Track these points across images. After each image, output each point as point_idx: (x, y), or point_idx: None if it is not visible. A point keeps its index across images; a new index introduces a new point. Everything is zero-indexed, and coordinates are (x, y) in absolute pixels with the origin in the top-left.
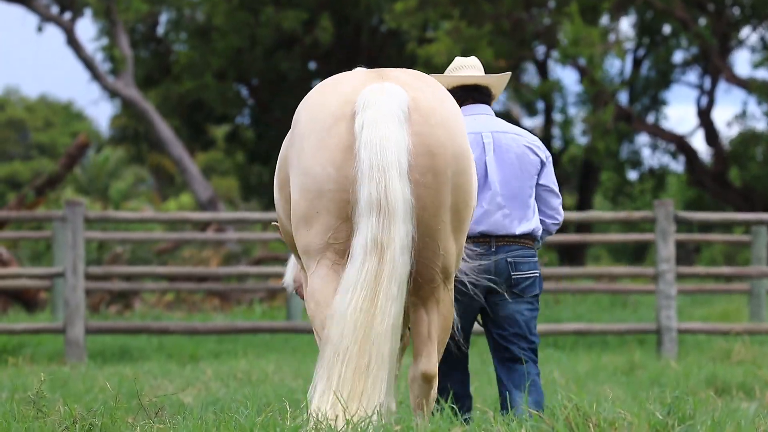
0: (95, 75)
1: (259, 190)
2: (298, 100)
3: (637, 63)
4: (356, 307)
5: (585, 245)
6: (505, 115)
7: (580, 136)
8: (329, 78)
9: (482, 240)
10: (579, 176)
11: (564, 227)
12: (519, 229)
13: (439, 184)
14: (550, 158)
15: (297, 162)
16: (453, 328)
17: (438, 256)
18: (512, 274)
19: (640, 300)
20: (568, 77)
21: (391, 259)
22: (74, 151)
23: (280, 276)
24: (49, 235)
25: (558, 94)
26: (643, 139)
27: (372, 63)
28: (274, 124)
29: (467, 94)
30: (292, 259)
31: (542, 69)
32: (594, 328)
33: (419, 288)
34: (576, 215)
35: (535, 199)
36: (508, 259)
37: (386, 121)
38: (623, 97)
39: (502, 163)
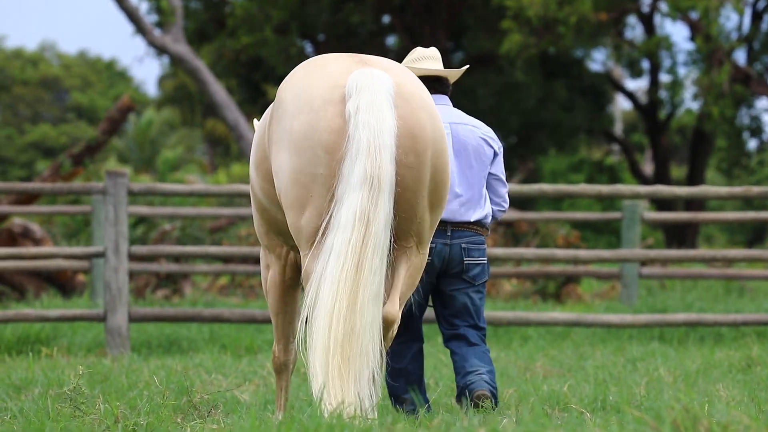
0: (140, 29)
1: None
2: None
3: (757, 17)
4: (344, 274)
5: (696, 224)
6: (606, 77)
7: (691, 101)
8: (313, 59)
9: (440, 226)
10: (689, 146)
11: (672, 204)
12: (473, 217)
13: (420, 164)
14: (501, 149)
15: (287, 143)
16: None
17: (414, 223)
18: (464, 259)
19: (758, 287)
20: (677, 33)
21: (375, 232)
22: (116, 115)
23: None
24: (88, 210)
25: (666, 53)
26: (763, 103)
27: (453, 15)
28: None
29: (428, 85)
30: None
31: (648, 23)
32: (706, 319)
33: (396, 248)
34: (685, 190)
35: (486, 187)
36: (462, 245)
37: (381, 105)
38: (741, 56)
39: (460, 154)
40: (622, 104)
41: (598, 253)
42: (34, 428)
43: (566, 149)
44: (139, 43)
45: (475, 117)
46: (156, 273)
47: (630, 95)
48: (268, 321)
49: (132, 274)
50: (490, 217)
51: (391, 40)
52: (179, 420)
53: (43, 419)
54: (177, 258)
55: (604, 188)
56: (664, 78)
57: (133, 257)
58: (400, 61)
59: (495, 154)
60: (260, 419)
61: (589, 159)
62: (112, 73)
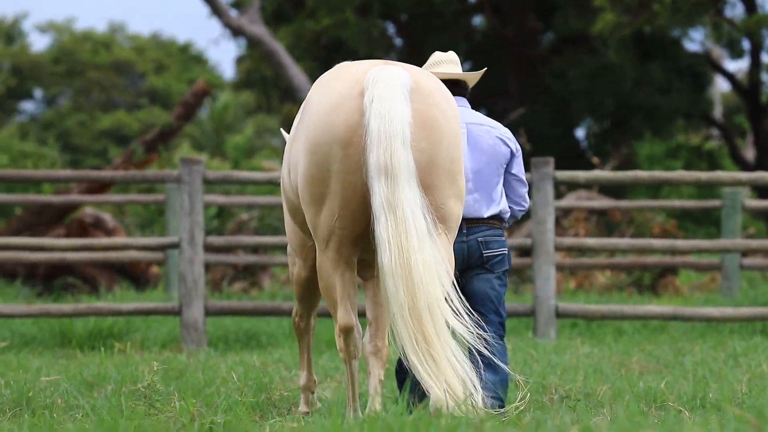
0: (215, 10)
1: None
2: (454, 40)
3: None
4: (393, 260)
5: None
6: (704, 57)
7: None
8: (342, 63)
9: None
10: None
11: None
12: (487, 213)
13: (432, 147)
14: (520, 149)
15: (304, 139)
16: None
17: (438, 209)
18: (483, 252)
19: None
20: None
21: (402, 217)
22: (191, 100)
23: None
24: (162, 199)
25: None
26: None
27: None
28: None
29: (448, 88)
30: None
31: (749, 0)
32: None
33: None
34: None
35: (505, 186)
36: (479, 239)
37: (393, 96)
38: None
39: (475, 153)
40: (721, 86)
41: (697, 243)
42: (106, 426)
43: (663, 134)
44: (215, 25)
45: (567, 100)
46: (233, 265)
47: (730, 77)
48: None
49: (208, 266)
50: (507, 213)
51: (477, 20)
52: (258, 418)
53: (116, 417)
54: (255, 249)
55: (703, 175)
56: (767, 58)
57: (209, 248)
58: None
59: (512, 154)
60: (342, 417)
61: (687, 144)
62: (186, 56)
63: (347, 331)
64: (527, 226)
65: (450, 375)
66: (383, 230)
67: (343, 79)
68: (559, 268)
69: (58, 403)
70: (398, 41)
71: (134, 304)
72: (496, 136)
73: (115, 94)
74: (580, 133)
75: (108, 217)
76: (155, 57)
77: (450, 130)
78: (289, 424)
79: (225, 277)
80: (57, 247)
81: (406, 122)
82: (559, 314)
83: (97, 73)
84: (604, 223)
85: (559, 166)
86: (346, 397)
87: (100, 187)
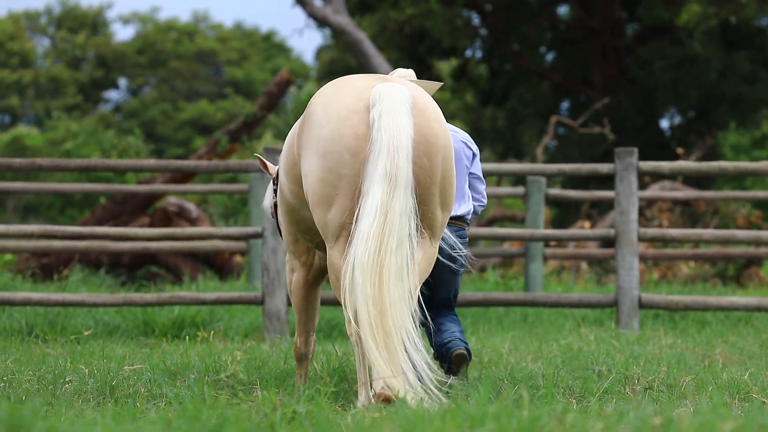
0: None
1: (492, 136)
2: (539, 29)
3: None
4: (367, 257)
5: None
6: None
7: None
8: (339, 78)
9: None
10: None
11: None
12: (459, 211)
13: (431, 166)
14: (479, 151)
15: (315, 148)
16: None
17: (427, 218)
18: (451, 252)
19: None
20: None
21: (391, 220)
22: (275, 89)
23: (516, 239)
24: (245, 189)
25: None
26: None
27: None
28: (511, 57)
29: None
30: (270, 185)
31: None
32: None
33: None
34: None
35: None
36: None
37: (401, 112)
38: None
39: None
40: None
41: None
42: (189, 415)
43: (748, 124)
44: (299, 14)
45: (651, 90)
46: None
47: None
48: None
49: None
50: (472, 213)
51: (562, 10)
52: (339, 407)
53: (199, 406)
54: None
55: None
56: None
57: None
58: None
59: (474, 155)
60: (424, 407)
61: None
62: (269, 45)
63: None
64: (611, 216)
65: (398, 365)
66: (368, 227)
67: (349, 94)
68: (643, 258)
69: (141, 392)
70: (483, 31)
71: (217, 294)
72: (460, 140)
73: (198, 83)
74: (664, 123)
75: (192, 207)
76: (238, 46)
77: (446, 143)
78: (370, 413)
79: None
80: (141, 236)
81: (410, 138)
82: (642, 305)
83: (180, 63)
84: (688, 213)
85: (642, 157)
86: (357, 378)
87: (184, 176)
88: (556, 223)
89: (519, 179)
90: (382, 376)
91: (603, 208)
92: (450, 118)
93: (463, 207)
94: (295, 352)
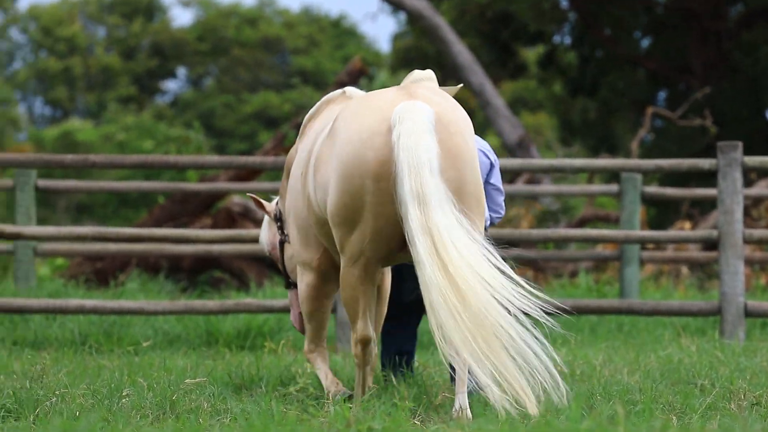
0: None
1: (582, 129)
2: (633, 13)
3: None
4: (436, 273)
5: None
6: None
7: None
8: (365, 95)
9: None
10: None
11: None
12: None
13: (457, 178)
14: (497, 161)
15: (336, 166)
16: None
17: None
18: None
19: None
20: None
21: (439, 237)
22: (346, 79)
23: (609, 241)
24: None
25: None
26: None
27: None
28: (603, 44)
29: None
30: (266, 219)
31: None
32: None
33: None
34: None
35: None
36: None
37: (419, 131)
38: None
39: None
40: None
41: None
42: None
43: None
44: None
45: (757, 79)
46: None
47: None
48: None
49: None
50: (488, 222)
51: None
52: (418, 422)
53: (266, 422)
54: None
55: None
56: None
57: None
58: None
59: (491, 166)
60: (509, 422)
61: None
62: (339, 32)
63: (365, 342)
64: (713, 216)
65: (508, 366)
66: (421, 250)
67: (372, 114)
68: (749, 262)
69: (204, 407)
70: (572, 15)
71: (286, 301)
72: (478, 149)
73: (262, 73)
74: None
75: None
76: (306, 33)
77: (472, 155)
78: (451, 429)
79: None
80: (203, 238)
81: (432, 153)
82: (749, 313)
83: (244, 51)
84: None
85: (747, 151)
86: (355, 394)
87: (249, 174)
88: (654, 223)
89: (612, 176)
90: (484, 385)
91: (704, 207)
92: (537, 108)
93: None
94: (312, 361)
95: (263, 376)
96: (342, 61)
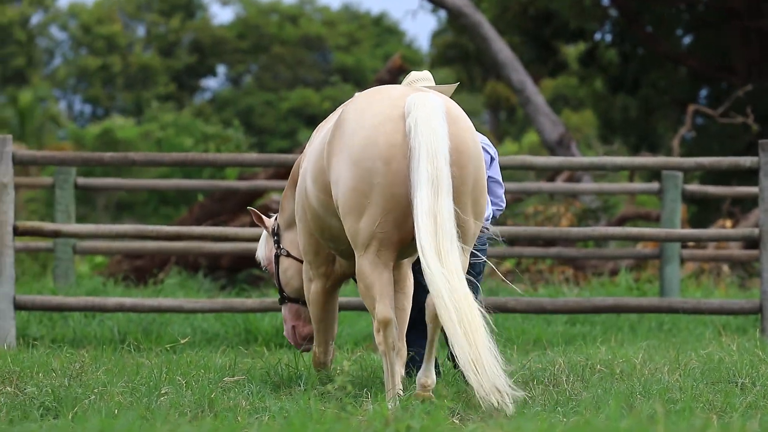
0: None
1: (624, 127)
2: (675, 11)
3: None
4: (435, 260)
5: None
6: None
7: None
8: (372, 88)
9: None
10: None
11: None
12: None
13: (462, 175)
14: (497, 154)
15: (346, 156)
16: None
17: (460, 225)
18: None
19: None
20: None
21: (441, 222)
22: (387, 77)
23: (650, 239)
24: None
25: None
26: None
27: None
28: (644, 41)
29: None
30: (264, 235)
31: None
32: None
33: None
34: None
35: None
36: None
37: (437, 119)
38: None
39: None
40: None
41: None
42: (294, 431)
43: None
44: None
45: None
46: None
47: None
48: (558, 311)
49: None
50: (491, 217)
51: None
52: (456, 421)
53: (305, 421)
54: None
55: None
56: None
57: None
58: None
59: (492, 159)
60: (549, 423)
61: None
62: (380, 30)
63: (386, 324)
64: (755, 215)
65: (483, 356)
66: (424, 234)
67: (382, 102)
68: None
69: (243, 405)
70: (613, 12)
71: None
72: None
73: (303, 71)
74: None
75: None
76: (346, 31)
77: (477, 153)
78: (490, 429)
79: None
80: (242, 236)
81: (447, 144)
82: None
83: (284, 49)
84: None
85: None
86: (386, 388)
87: (288, 171)
88: (695, 221)
89: (653, 174)
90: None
91: (746, 205)
92: (578, 106)
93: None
94: (314, 362)
95: (302, 374)
96: (382, 58)
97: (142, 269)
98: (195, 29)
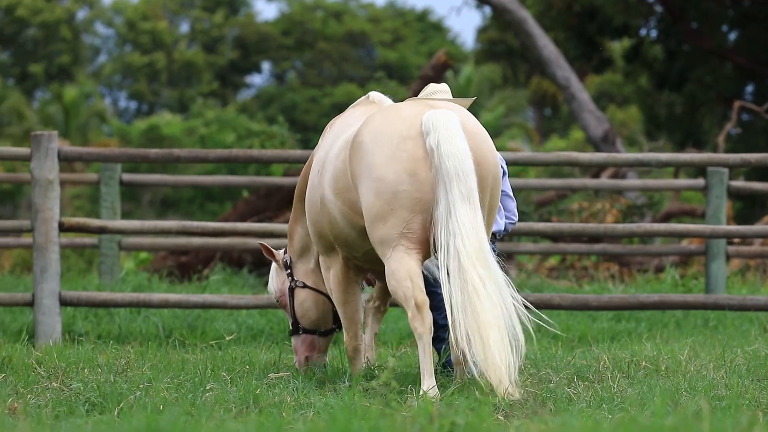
0: None
1: (669, 123)
2: (720, 6)
3: None
4: (471, 266)
5: None
6: None
7: None
8: (386, 107)
9: None
10: None
11: None
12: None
13: (482, 187)
14: (506, 167)
15: (368, 173)
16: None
17: None
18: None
19: None
20: None
21: (482, 237)
22: (431, 73)
23: (695, 235)
24: None
25: None
26: None
27: None
28: (690, 37)
29: None
30: (274, 266)
31: None
32: None
33: None
34: None
35: None
36: None
37: (459, 138)
38: None
39: None
40: None
41: None
42: (339, 427)
43: None
44: None
45: None
46: None
47: None
48: (604, 308)
49: None
50: (503, 230)
51: None
52: (501, 417)
53: (349, 417)
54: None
55: None
56: None
57: None
58: None
59: (504, 173)
60: (594, 420)
61: None
62: (425, 26)
63: (421, 306)
64: None
65: (496, 345)
66: (470, 248)
67: (399, 122)
68: None
69: (288, 401)
70: (658, 8)
71: (369, 295)
72: None
73: (347, 67)
74: None
75: None
76: (391, 27)
77: (495, 164)
78: (535, 425)
79: None
80: (286, 233)
81: (472, 162)
82: None
83: (329, 45)
84: None
85: None
86: (421, 372)
87: None
88: (740, 218)
89: (699, 170)
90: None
91: None
92: (623, 102)
93: (495, 226)
94: (348, 350)
95: (346, 370)
96: (426, 55)
97: (186, 265)
98: (239, 25)
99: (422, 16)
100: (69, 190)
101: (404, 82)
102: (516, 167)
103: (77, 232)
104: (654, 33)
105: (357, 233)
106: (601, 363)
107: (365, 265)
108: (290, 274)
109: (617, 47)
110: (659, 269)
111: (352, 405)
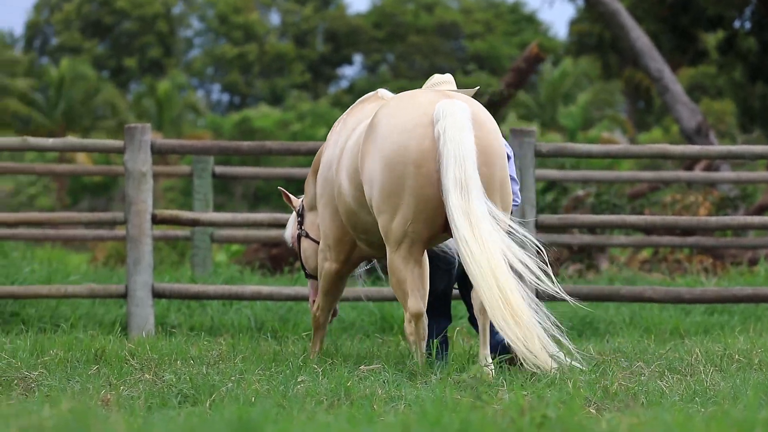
0: None
1: (763, 115)
2: None
3: None
4: (478, 253)
5: None
6: None
7: None
8: (403, 93)
9: None
10: None
11: None
12: None
13: (490, 174)
14: (512, 151)
15: (379, 158)
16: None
17: None
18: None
19: None
20: None
21: (476, 221)
22: (523, 65)
23: None
24: None
25: None
26: None
27: None
28: None
29: None
30: (293, 214)
31: None
32: None
33: None
34: None
35: None
36: None
37: (464, 126)
38: None
39: None
40: None
41: None
42: (430, 419)
43: None
44: None
45: None
46: (568, 245)
47: None
48: (696, 300)
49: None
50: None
51: None
52: (593, 411)
53: (440, 409)
54: (591, 228)
55: None
56: None
57: (541, 227)
58: None
59: (508, 157)
60: (686, 414)
61: None
62: (517, 18)
63: (418, 317)
64: None
65: (532, 333)
66: (462, 231)
67: (413, 108)
68: None
69: (379, 393)
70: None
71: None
72: None
73: (438, 59)
74: None
75: None
76: (483, 18)
77: (501, 153)
78: (627, 418)
79: (559, 259)
80: None
81: (474, 148)
82: None
83: (420, 38)
84: None
85: None
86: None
87: None
88: None
89: None
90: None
91: None
92: (717, 94)
93: None
94: (314, 321)
95: (437, 362)
96: (518, 47)
97: (278, 258)
98: (330, 18)
99: (514, 8)
100: (162, 183)
101: (495, 74)
102: (610, 159)
103: (170, 225)
104: (748, 25)
105: (374, 218)
106: (694, 356)
107: (380, 250)
108: (300, 222)
109: (711, 38)
110: (753, 262)
111: (442, 398)
